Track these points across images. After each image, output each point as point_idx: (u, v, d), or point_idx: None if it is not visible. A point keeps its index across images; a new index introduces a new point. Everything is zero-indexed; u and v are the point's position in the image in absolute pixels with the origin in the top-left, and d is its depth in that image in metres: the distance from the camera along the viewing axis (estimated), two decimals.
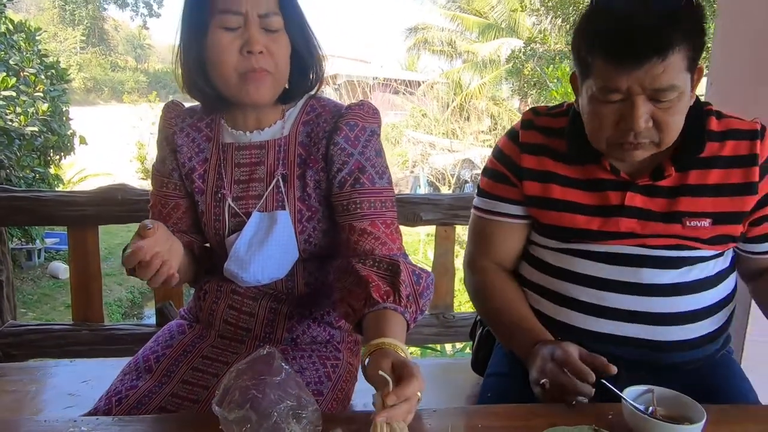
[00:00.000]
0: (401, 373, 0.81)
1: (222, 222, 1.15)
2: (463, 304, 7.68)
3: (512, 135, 1.23)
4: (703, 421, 0.83)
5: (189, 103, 1.24)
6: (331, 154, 1.11)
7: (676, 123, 1.01)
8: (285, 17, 1.07)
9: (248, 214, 1.13)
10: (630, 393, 0.88)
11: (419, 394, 0.80)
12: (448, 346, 4.11)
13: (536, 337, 1.08)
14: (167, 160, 1.20)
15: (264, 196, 1.13)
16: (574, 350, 1.00)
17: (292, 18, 1.08)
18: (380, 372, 0.80)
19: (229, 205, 1.14)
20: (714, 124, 1.11)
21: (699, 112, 1.08)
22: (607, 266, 1.13)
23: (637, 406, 0.86)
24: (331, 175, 1.11)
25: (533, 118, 1.21)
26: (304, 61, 1.13)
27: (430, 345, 3.44)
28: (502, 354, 1.26)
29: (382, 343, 0.89)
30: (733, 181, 1.09)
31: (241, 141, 1.16)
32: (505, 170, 1.22)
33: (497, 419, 0.92)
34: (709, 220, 1.09)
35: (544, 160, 1.17)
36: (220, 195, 1.15)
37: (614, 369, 0.92)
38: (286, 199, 1.13)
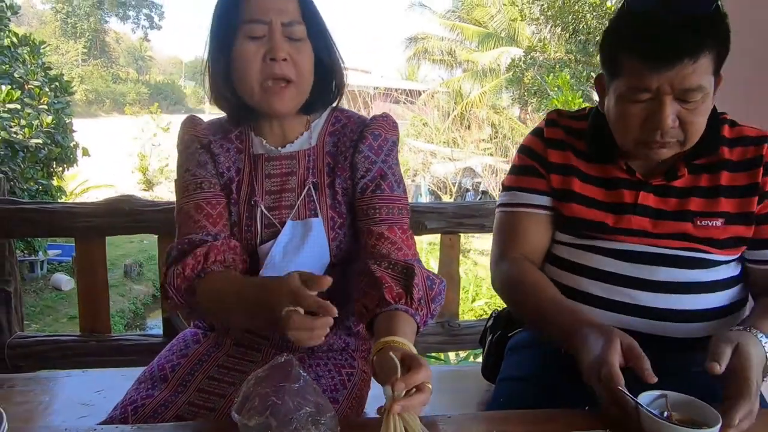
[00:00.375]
0: (410, 363, 0.82)
1: (254, 231, 1.16)
2: (466, 312, 7.68)
3: (537, 132, 1.28)
4: (719, 425, 0.83)
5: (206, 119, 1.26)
6: (356, 162, 1.16)
7: (700, 123, 1.05)
8: (308, 26, 1.10)
9: (282, 224, 1.15)
10: (644, 398, 0.88)
11: (430, 386, 0.81)
12: (452, 355, 4.11)
13: (579, 317, 1.05)
14: (209, 165, 1.18)
15: (296, 205, 1.16)
16: (617, 371, 0.89)
17: (315, 27, 1.12)
18: (390, 353, 0.81)
19: (263, 214, 1.16)
20: (727, 131, 1.16)
21: (714, 118, 1.13)
22: (619, 262, 1.15)
23: (653, 411, 0.86)
24: (355, 181, 1.16)
25: (557, 118, 1.26)
26: (327, 71, 1.16)
27: (433, 354, 3.44)
28: (514, 359, 1.27)
29: (391, 340, 0.91)
30: (741, 183, 1.13)
31: (271, 153, 1.18)
32: (533, 162, 1.25)
33: (511, 424, 0.93)
34: (721, 220, 1.12)
35: (568, 154, 1.22)
36: (252, 202, 1.16)
37: (654, 379, 0.89)
38: (318, 207, 1.15)
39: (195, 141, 1.20)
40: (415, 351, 0.90)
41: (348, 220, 1.18)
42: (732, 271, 1.17)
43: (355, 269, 1.15)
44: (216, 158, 1.18)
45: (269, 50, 1.07)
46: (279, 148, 1.18)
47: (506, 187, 1.30)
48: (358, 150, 1.16)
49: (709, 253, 1.13)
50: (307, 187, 1.16)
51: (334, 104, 1.22)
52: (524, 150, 1.28)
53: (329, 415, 0.76)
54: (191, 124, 1.22)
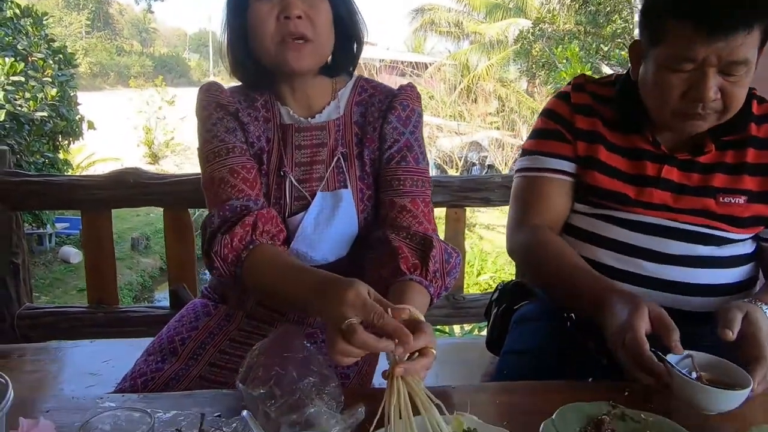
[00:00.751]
0: (413, 328, 0.80)
1: (283, 203, 1.14)
2: (471, 286, 7.73)
3: (563, 96, 1.24)
4: (751, 385, 0.82)
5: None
6: (384, 133, 1.15)
7: (741, 96, 1.03)
8: None
9: (312, 195, 1.14)
10: (670, 360, 0.86)
11: (434, 351, 0.80)
12: (456, 328, 4.15)
13: (605, 284, 1.02)
14: (238, 132, 1.14)
15: (325, 177, 1.14)
16: (643, 336, 0.87)
17: None
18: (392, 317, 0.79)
19: (293, 185, 1.14)
20: (755, 107, 1.14)
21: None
22: (634, 233, 1.14)
23: (685, 373, 0.84)
24: (382, 151, 1.15)
25: (583, 83, 1.23)
26: (347, 27, 1.12)
27: (438, 327, 3.47)
28: (519, 332, 1.27)
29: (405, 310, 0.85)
30: (766, 161, 1.12)
31: (300, 123, 1.16)
32: (558, 127, 1.22)
33: (514, 396, 0.93)
34: (744, 198, 1.11)
35: (595, 121, 1.19)
36: (282, 173, 1.14)
37: (681, 352, 0.87)
38: (348, 178, 1.14)
39: (220, 108, 1.15)
40: (422, 318, 0.88)
41: (375, 192, 1.17)
42: (746, 248, 1.16)
43: (372, 239, 1.14)
44: (245, 127, 1.14)
45: (282, 8, 1.03)
46: (309, 119, 1.16)
47: (527, 151, 1.26)
48: (387, 120, 1.15)
49: (726, 232, 1.12)
50: (336, 158, 1.14)
51: (354, 69, 1.20)
52: (548, 113, 1.24)
53: (333, 385, 0.77)
54: (214, 90, 1.17)
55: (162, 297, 8.84)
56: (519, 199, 1.25)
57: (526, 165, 1.25)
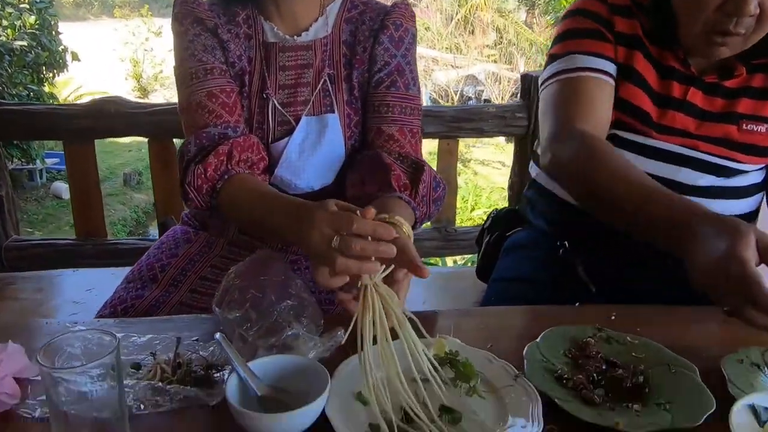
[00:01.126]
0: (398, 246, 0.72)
1: (266, 127, 1.08)
2: (465, 221, 7.77)
3: None
4: None
5: None
6: (375, 54, 1.09)
7: None
8: None
9: (297, 120, 1.08)
10: None
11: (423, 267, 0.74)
12: (449, 261, 4.19)
13: (693, 208, 0.83)
14: (217, 51, 1.05)
15: (311, 101, 1.08)
16: (756, 271, 0.71)
17: None
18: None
19: (276, 109, 1.08)
20: None
21: None
22: (646, 160, 1.07)
23: None
24: (371, 74, 1.09)
25: None
26: None
27: (431, 259, 3.49)
28: (509, 259, 1.26)
29: (385, 217, 0.80)
30: None
31: (285, 42, 1.08)
32: (597, 25, 1.07)
33: (500, 320, 0.93)
34: (766, 126, 1.05)
35: (635, 24, 1.07)
36: (264, 96, 1.08)
37: None
38: (334, 102, 1.09)
39: (197, 23, 1.06)
40: (411, 233, 0.83)
41: (363, 118, 1.11)
42: (756, 178, 1.12)
43: (357, 160, 1.09)
44: (225, 45, 1.06)
45: None
46: (294, 37, 1.08)
47: (558, 55, 1.09)
48: (379, 41, 1.08)
49: (741, 163, 1.07)
50: (323, 80, 1.08)
51: None
52: (581, 12, 1.10)
53: (311, 309, 0.75)
54: (191, 1, 1.08)
55: (156, 233, 8.88)
56: (555, 106, 1.06)
57: (560, 68, 1.07)
